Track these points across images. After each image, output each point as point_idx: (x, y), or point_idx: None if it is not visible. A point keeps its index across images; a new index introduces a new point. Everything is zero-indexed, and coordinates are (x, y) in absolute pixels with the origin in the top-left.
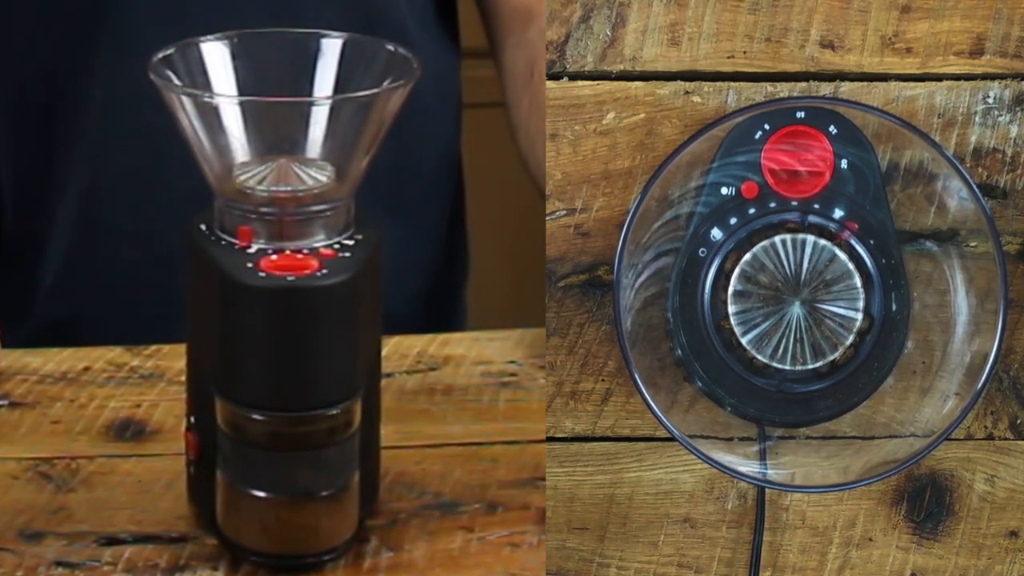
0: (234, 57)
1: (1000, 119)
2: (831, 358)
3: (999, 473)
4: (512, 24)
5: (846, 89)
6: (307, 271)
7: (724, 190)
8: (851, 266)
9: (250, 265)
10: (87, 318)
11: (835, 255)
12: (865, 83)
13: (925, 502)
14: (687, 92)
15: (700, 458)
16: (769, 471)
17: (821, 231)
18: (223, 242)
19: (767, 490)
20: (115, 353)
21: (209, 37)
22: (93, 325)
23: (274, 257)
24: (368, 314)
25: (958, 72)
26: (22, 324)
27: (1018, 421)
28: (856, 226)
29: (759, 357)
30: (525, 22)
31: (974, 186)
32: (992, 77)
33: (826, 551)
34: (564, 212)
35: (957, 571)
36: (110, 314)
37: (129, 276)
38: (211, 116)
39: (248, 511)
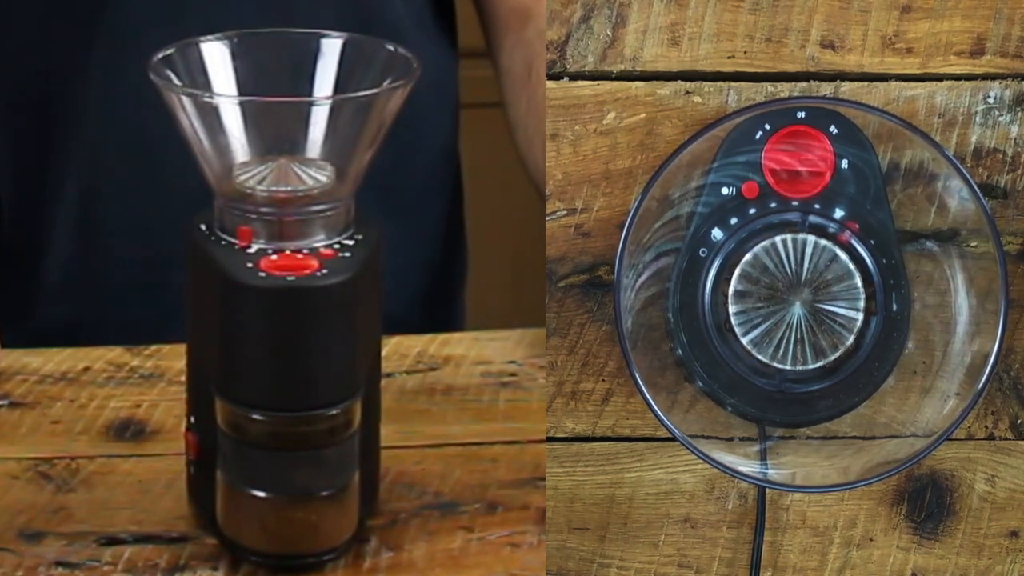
0: (234, 57)
1: (1000, 119)
2: (832, 358)
3: (999, 473)
4: (509, 24)
5: (846, 89)
6: (307, 271)
7: (725, 190)
8: (852, 266)
9: (250, 265)
10: (88, 319)
11: (836, 255)
12: (865, 83)
13: (925, 502)
14: (687, 92)
15: (700, 458)
16: (769, 471)
17: (822, 231)
18: (223, 242)
19: (767, 490)
20: (115, 353)
21: (209, 37)
22: (94, 326)
23: (274, 257)
24: (368, 314)
25: (958, 72)
26: (23, 326)
27: (1018, 421)
28: (857, 226)
29: (760, 357)
30: (522, 22)
31: (974, 186)
32: (992, 77)
33: (826, 551)
34: (564, 212)
35: (957, 571)
36: (111, 315)
37: (129, 276)
38: (211, 116)
39: (248, 511)
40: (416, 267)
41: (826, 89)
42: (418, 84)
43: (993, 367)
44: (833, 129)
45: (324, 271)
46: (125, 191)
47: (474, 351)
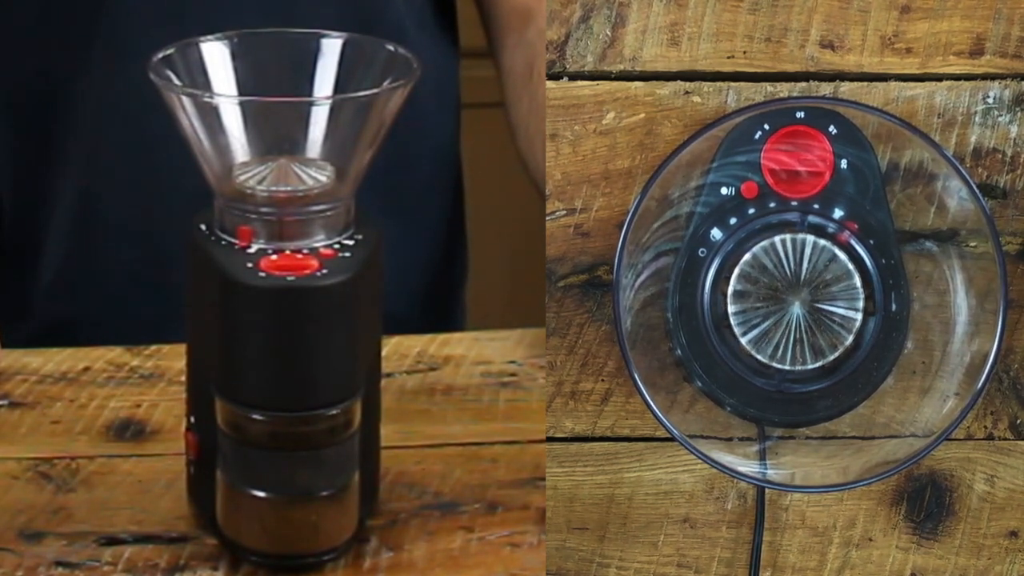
0: (234, 57)
1: (1000, 119)
2: (831, 358)
3: (999, 473)
4: (511, 24)
5: (846, 89)
6: (307, 271)
7: (724, 190)
8: (851, 266)
9: (250, 265)
10: (86, 318)
11: (835, 255)
12: (865, 83)
13: (925, 502)
14: (687, 92)
15: (700, 458)
16: (769, 471)
17: (821, 231)
18: (223, 242)
19: (767, 490)
20: (115, 353)
21: (209, 37)
22: (92, 325)
23: (274, 257)
24: (368, 314)
25: (958, 72)
26: (22, 324)
27: (1018, 421)
28: (856, 226)
29: (759, 357)
30: (524, 22)
31: (974, 186)
32: (992, 77)
33: (826, 551)
34: (564, 212)
35: (957, 571)
36: (109, 314)
37: (128, 276)
38: (211, 116)
39: (248, 511)
40: (416, 267)
41: (825, 89)
42: (419, 84)
43: (992, 367)
44: (832, 129)
45: (324, 271)
46: (125, 191)
47: (474, 351)
